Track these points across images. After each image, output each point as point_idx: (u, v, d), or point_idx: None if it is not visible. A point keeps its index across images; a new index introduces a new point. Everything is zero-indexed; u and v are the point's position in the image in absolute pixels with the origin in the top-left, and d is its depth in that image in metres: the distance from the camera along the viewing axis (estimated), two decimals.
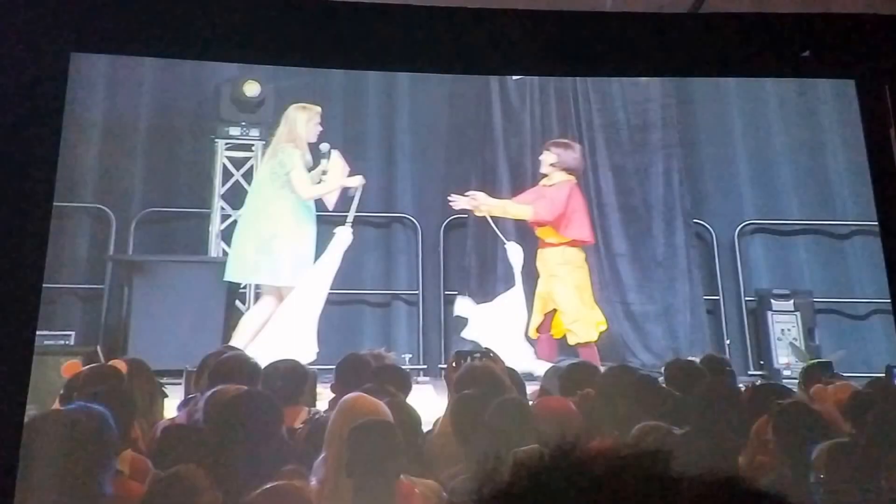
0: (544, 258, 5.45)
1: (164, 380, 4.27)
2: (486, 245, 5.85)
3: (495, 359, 3.99)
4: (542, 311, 5.41)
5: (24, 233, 3.93)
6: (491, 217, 5.56)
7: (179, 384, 4.40)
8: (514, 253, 5.51)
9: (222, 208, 5.76)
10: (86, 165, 5.61)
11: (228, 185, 5.77)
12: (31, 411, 3.86)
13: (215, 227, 5.72)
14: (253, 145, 5.77)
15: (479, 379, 3.74)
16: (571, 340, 5.31)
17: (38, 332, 4.95)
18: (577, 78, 5.91)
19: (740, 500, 0.54)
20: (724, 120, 6.20)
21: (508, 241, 5.58)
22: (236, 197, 5.68)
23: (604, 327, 5.35)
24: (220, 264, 5.38)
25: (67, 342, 5.00)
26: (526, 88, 6.11)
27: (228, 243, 5.64)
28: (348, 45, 4.71)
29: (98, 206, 5.63)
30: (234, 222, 5.66)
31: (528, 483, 0.54)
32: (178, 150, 5.87)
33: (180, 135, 5.89)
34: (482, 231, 5.79)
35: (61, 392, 3.89)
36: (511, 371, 4.06)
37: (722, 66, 4.65)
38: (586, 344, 5.27)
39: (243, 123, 5.82)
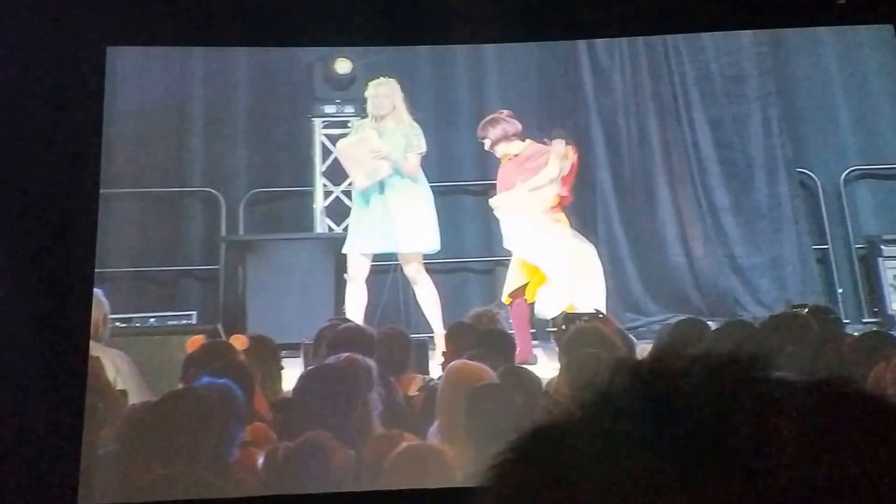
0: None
1: (282, 353, 4.45)
2: None
3: (604, 320, 4.03)
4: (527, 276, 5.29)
5: (73, 221, 4.18)
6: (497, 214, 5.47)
7: (297, 357, 4.59)
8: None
9: (325, 185, 5.92)
10: (193, 152, 5.86)
11: (328, 162, 5.92)
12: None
13: (319, 204, 5.89)
14: (349, 122, 5.88)
15: (588, 340, 3.80)
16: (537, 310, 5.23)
17: (162, 314, 5.27)
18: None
19: (838, 401, 0.54)
20: (819, 67, 6.06)
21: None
22: (337, 174, 5.83)
23: (570, 310, 5.04)
24: (328, 240, 5.58)
25: (189, 322, 5.25)
26: (615, 46, 6.05)
27: (333, 219, 5.82)
28: (433, 20, 4.81)
29: (207, 189, 5.86)
30: (337, 199, 5.85)
31: (629, 384, 0.54)
32: (276, 132, 6.05)
33: (277, 117, 6.07)
34: None
35: (182, 370, 4.11)
36: (621, 332, 4.09)
37: (757, 17, 4.67)
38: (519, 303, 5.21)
39: (338, 101, 5.93)
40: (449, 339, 4.64)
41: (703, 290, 5.76)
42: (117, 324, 4.75)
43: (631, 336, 4.55)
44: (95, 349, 4.13)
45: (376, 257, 5.33)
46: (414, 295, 5.33)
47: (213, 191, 5.84)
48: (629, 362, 0.57)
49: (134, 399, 4.12)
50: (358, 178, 5.40)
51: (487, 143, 5.43)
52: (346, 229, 5.51)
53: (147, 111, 5.45)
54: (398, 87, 5.42)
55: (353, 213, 5.43)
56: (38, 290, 4.06)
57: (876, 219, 5.87)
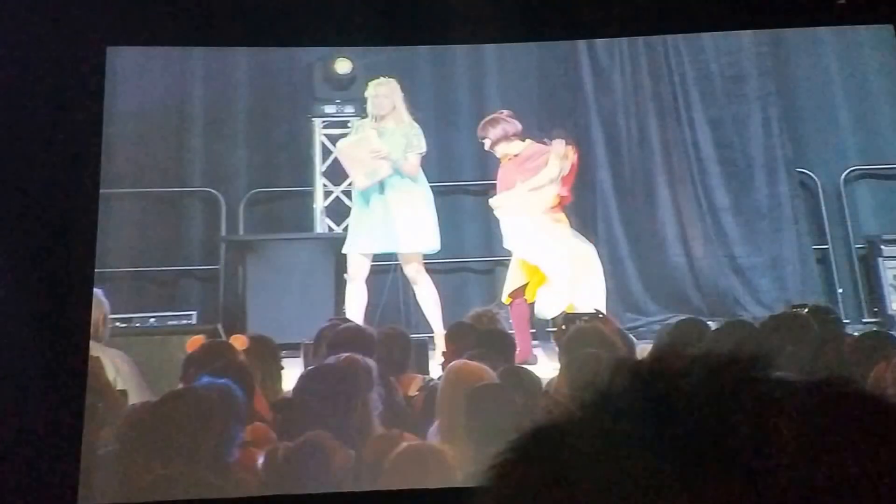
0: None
1: (282, 353, 4.46)
2: None
3: (604, 320, 4.03)
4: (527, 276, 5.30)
5: (73, 221, 4.18)
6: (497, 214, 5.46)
7: (297, 357, 4.59)
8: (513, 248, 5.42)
9: (325, 185, 5.92)
10: (193, 152, 5.86)
11: (328, 162, 5.92)
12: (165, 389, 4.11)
13: (319, 203, 5.89)
14: (349, 122, 5.89)
15: (588, 340, 3.80)
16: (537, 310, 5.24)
17: (162, 314, 5.28)
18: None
19: (838, 401, 0.54)
20: (819, 67, 6.07)
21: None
22: (337, 174, 5.83)
23: (570, 310, 5.04)
24: (328, 240, 5.58)
25: (189, 322, 5.25)
26: (615, 46, 6.06)
27: (333, 219, 5.83)
28: (433, 20, 4.82)
29: (207, 189, 5.87)
30: (337, 199, 5.85)
31: (629, 384, 0.54)
32: (276, 132, 6.05)
33: (277, 117, 6.07)
34: None
35: (182, 370, 4.12)
36: (621, 332, 4.09)
37: (757, 17, 4.70)
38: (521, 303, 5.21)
39: (338, 101, 5.93)
40: (449, 339, 4.64)
41: (703, 290, 5.76)
42: (117, 324, 4.75)
43: (631, 336, 4.56)
44: (95, 349, 4.13)
45: (376, 257, 5.33)
46: (414, 295, 5.33)
47: (213, 191, 5.85)
48: (629, 362, 0.57)
49: (134, 399, 4.12)
50: (358, 178, 5.40)
51: (487, 143, 5.43)
52: (346, 229, 5.51)
53: (147, 111, 5.45)
54: (398, 87, 5.42)
55: (353, 213, 5.44)
56: (38, 290, 4.06)
57: (876, 219, 5.87)
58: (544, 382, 3.97)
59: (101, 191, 4.52)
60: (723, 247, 5.82)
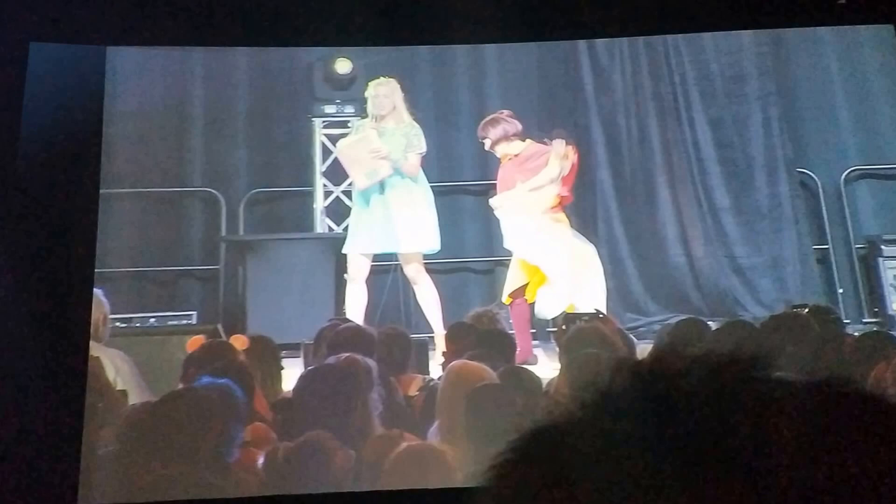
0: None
1: (282, 353, 4.46)
2: None
3: (605, 320, 4.03)
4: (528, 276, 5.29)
5: (73, 221, 4.19)
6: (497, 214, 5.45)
7: (297, 357, 4.60)
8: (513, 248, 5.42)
9: (325, 185, 5.92)
10: (193, 152, 5.86)
11: (328, 162, 5.93)
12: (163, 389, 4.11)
13: (319, 204, 5.89)
14: (349, 122, 5.89)
15: (589, 340, 3.80)
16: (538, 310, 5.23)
17: (162, 314, 5.28)
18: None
19: (838, 401, 0.54)
20: (819, 67, 6.07)
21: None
22: (337, 174, 5.83)
23: (571, 310, 5.02)
24: (328, 240, 5.58)
25: (189, 322, 5.25)
26: (615, 46, 6.06)
27: (333, 219, 5.83)
28: (433, 20, 4.82)
29: (207, 189, 5.87)
30: (337, 199, 5.85)
31: (629, 384, 0.54)
32: (276, 132, 6.05)
33: (277, 117, 6.07)
34: None
35: (182, 370, 4.12)
36: (622, 332, 4.09)
37: (757, 17, 4.71)
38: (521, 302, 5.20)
39: (338, 101, 5.94)
40: (449, 339, 4.64)
41: (703, 290, 5.76)
42: (117, 324, 4.75)
43: (631, 336, 4.56)
44: (95, 349, 4.13)
45: (376, 257, 5.33)
46: (414, 295, 5.34)
47: (213, 191, 5.85)
48: (629, 362, 0.57)
49: (134, 399, 4.12)
50: (358, 178, 5.40)
51: (487, 143, 5.43)
52: (346, 229, 5.51)
53: (147, 111, 5.46)
54: (398, 87, 5.42)
55: (353, 213, 5.44)
56: (38, 290, 4.06)
57: (876, 219, 5.88)
58: (545, 383, 3.97)
59: (101, 191, 4.52)
60: (723, 247, 5.83)
